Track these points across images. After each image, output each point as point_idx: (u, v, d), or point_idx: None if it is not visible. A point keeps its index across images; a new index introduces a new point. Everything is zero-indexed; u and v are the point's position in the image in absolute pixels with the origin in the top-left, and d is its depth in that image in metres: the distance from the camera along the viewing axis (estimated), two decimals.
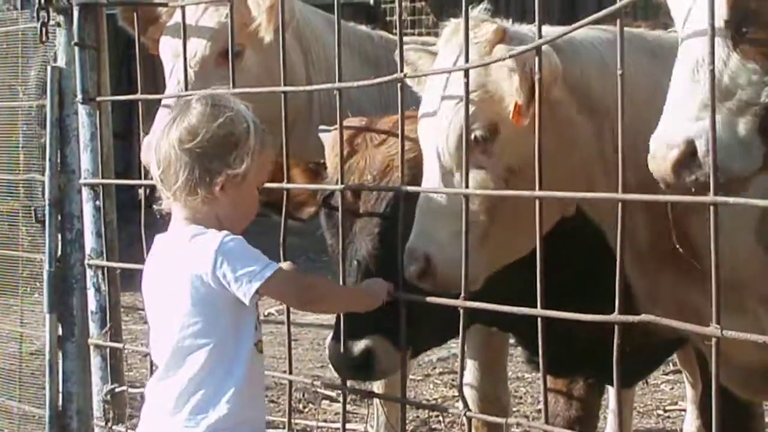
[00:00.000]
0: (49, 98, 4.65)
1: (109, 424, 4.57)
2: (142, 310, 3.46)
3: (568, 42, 3.47)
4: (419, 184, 3.56)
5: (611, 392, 4.93)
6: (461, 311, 3.36)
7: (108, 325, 4.53)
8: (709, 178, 2.74)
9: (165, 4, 4.93)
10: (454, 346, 4.61)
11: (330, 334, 3.86)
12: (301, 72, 4.98)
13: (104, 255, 4.51)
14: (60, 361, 4.71)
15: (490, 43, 3.43)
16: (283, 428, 4.56)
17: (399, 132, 3.51)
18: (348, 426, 6.20)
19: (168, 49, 4.95)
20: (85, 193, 4.57)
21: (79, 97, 4.51)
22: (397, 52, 3.54)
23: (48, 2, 4.58)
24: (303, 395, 7.27)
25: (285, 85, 3.89)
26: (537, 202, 3.16)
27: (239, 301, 3.23)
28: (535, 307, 3.16)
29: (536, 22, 3.14)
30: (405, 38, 3.69)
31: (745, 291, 3.62)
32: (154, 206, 3.49)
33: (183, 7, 4.34)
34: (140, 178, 4.34)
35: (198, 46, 4.81)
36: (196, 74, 4.71)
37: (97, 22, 4.52)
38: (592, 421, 4.67)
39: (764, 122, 2.89)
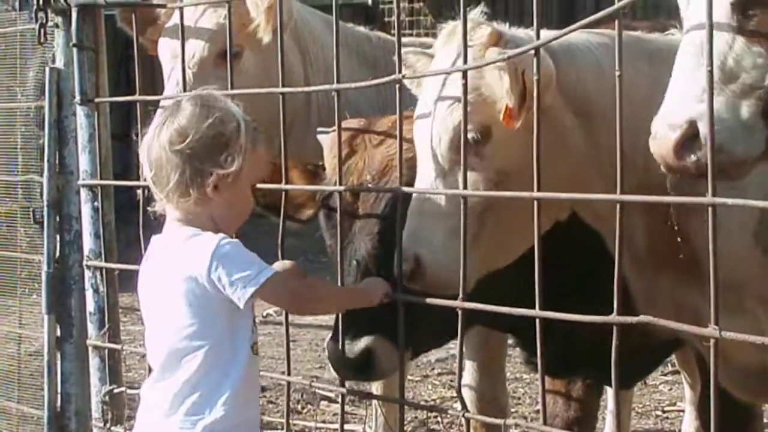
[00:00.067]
0: (47, 99, 4.64)
1: (108, 425, 4.57)
2: (141, 311, 3.46)
3: (564, 46, 3.47)
4: None
5: (610, 393, 4.93)
6: (459, 312, 3.36)
7: (106, 326, 4.53)
8: (712, 153, 2.72)
9: (163, 6, 4.93)
10: (452, 347, 4.61)
11: (329, 334, 3.86)
12: (300, 73, 4.99)
13: (103, 256, 4.51)
14: (58, 362, 4.71)
15: (485, 46, 3.43)
16: (282, 429, 4.56)
17: (397, 132, 3.51)
18: (346, 427, 6.22)
19: (166, 50, 4.95)
20: (84, 194, 4.57)
21: (78, 98, 4.51)
22: (396, 53, 3.54)
23: (46, 3, 4.57)
24: (301, 396, 7.27)
25: (283, 86, 3.89)
26: (535, 204, 3.16)
27: (235, 304, 3.23)
28: (534, 308, 3.17)
29: (534, 25, 3.15)
30: (403, 39, 3.69)
31: (744, 292, 3.63)
32: (148, 208, 3.49)
33: (181, 9, 4.34)
34: (138, 180, 4.34)
35: (196, 47, 4.81)
36: (194, 75, 4.72)
37: (95, 24, 4.52)
38: (591, 421, 4.67)
39: None
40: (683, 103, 2.86)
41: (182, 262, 3.25)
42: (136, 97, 4.42)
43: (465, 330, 3.46)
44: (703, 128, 2.80)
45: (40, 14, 4.62)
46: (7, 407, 5.28)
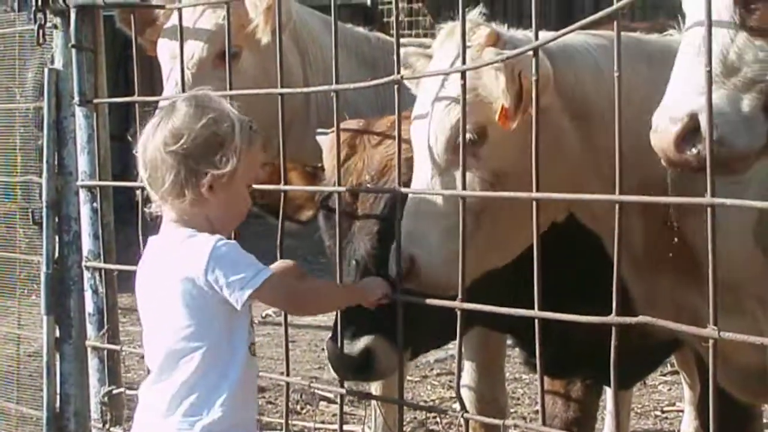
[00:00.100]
0: (46, 100, 4.64)
1: (107, 426, 4.57)
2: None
3: (562, 47, 3.47)
4: None
5: (609, 393, 4.93)
6: (458, 313, 3.36)
7: (105, 326, 4.53)
8: (710, 153, 2.72)
9: (162, 6, 4.93)
10: (451, 347, 4.60)
11: (328, 334, 3.86)
12: (299, 73, 4.99)
13: (101, 257, 4.51)
14: (57, 363, 4.71)
15: (482, 46, 3.43)
16: (281, 430, 4.56)
17: (396, 133, 3.51)
18: (345, 427, 6.21)
19: (165, 50, 4.95)
20: (83, 195, 4.57)
21: (76, 99, 4.51)
22: (395, 53, 3.54)
23: (45, 4, 4.57)
24: (300, 396, 7.27)
25: (282, 86, 3.89)
26: (534, 204, 3.16)
27: (232, 305, 3.23)
28: (533, 308, 3.16)
29: (533, 26, 3.14)
30: (402, 40, 3.69)
31: (743, 292, 3.62)
32: (145, 209, 3.49)
33: (180, 9, 4.34)
34: (137, 180, 4.34)
35: (195, 48, 4.81)
36: (193, 76, 4.71)
37: (94, 24, 4.52)
38: (590, 422, 4.67)
39: None
40: (684, 96, 2.86)
41: (179, 264, 3.25)
42: (135, 97, 4.42)
43: (464, 330, 3.46)
44: (704, 121, 2.79)
45: (39, 15, 4.62)
46: (6, 408, 5.28)
